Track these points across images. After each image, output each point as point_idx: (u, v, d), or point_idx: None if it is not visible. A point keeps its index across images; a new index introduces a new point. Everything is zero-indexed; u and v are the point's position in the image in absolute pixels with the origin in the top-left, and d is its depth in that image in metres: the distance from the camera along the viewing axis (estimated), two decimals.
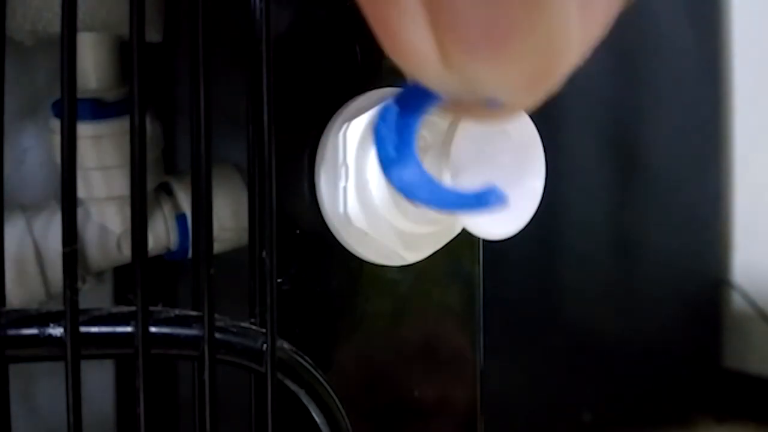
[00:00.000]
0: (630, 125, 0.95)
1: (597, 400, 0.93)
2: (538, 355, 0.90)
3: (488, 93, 0.18)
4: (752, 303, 1.01)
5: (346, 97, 0.33)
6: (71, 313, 0.27)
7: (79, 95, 0.29)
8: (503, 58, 0.17)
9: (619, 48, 0.91)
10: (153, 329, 0.29)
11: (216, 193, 0.30)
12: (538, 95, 0.19)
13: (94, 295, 0.42)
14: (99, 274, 0.40)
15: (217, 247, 0.32)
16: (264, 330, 0.31)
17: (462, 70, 0.18)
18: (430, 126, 0.30)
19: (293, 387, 0.31)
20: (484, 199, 0.22)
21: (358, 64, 0.34)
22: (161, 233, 0.39)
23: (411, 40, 0.17)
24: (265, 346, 0.30)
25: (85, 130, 0.36)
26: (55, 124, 0.37)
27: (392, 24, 0.17)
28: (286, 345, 0.32)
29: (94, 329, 0.29)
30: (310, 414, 0.32)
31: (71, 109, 0.27)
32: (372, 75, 0.34)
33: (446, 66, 0.18)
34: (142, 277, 0.28)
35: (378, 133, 0.21)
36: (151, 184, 0.38)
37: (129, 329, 0.29)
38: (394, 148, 0.22)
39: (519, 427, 0.88)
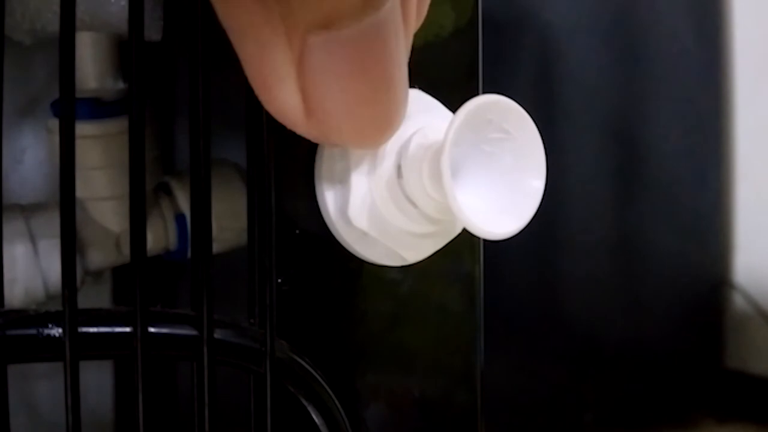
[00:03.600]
0: (631, 125, 0.95)
1: (598, 400, 0.93)
2: (538, 355, 0.90)
3: (343, 143, 0.26)
4: (754, 304, 1.00)
5: None
6: (70, 313, 0.27)
7: (77, 95, 0.29)
8: (359, 132, 0.24)
9: (621, 47, 0.91)
10: (152, 329, 0.29)
11: (215, 193, 0.30)
12: (381, 140, 0.26)
13: (93, 295, 0.42)
14: (98, 274, 0.40)
15: (216, 248, 0.32)
16: (263, 330, 0.31)
17: (322, 128, 0.24)
18: (430, 126, 0.30)
19: (293, 388, 0.31)
20: None
21: None
22: (160, 233, 0.38)
23: (283, 99, 0.23)
24: (264, 347, 0.30)
25: (83, 129, 0.36)
26: (54, 123, 0.36)
27: (269, 85, 0.23)
28: (285, 346, 0.31)
29: (93, 329, 0.28)
30: (310, 415, 0.32)
31: (70, 108, 0.27)
32: None
33: (309, 123, 0.24)
34: (141, 278, 0.28)
35: None
36: (150, 184, 0.38)
37: (128, 329, 0.29)
38: None
39: (519, 427, 0.88)
